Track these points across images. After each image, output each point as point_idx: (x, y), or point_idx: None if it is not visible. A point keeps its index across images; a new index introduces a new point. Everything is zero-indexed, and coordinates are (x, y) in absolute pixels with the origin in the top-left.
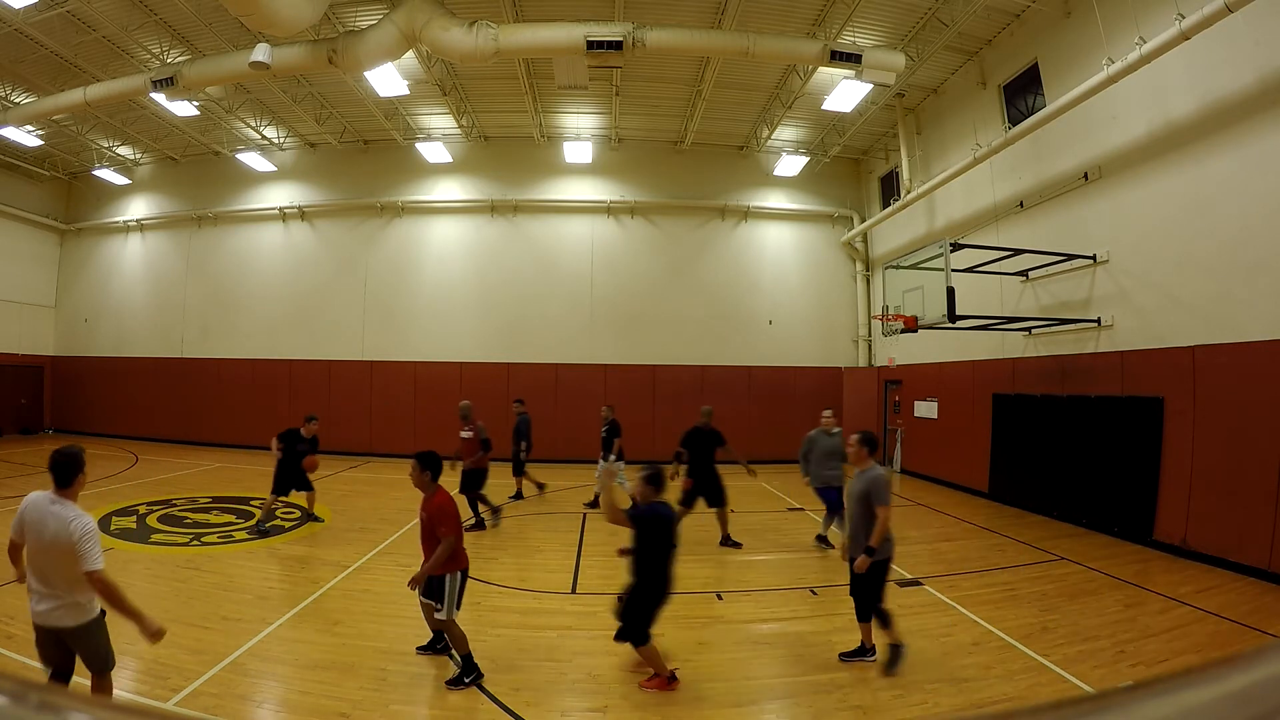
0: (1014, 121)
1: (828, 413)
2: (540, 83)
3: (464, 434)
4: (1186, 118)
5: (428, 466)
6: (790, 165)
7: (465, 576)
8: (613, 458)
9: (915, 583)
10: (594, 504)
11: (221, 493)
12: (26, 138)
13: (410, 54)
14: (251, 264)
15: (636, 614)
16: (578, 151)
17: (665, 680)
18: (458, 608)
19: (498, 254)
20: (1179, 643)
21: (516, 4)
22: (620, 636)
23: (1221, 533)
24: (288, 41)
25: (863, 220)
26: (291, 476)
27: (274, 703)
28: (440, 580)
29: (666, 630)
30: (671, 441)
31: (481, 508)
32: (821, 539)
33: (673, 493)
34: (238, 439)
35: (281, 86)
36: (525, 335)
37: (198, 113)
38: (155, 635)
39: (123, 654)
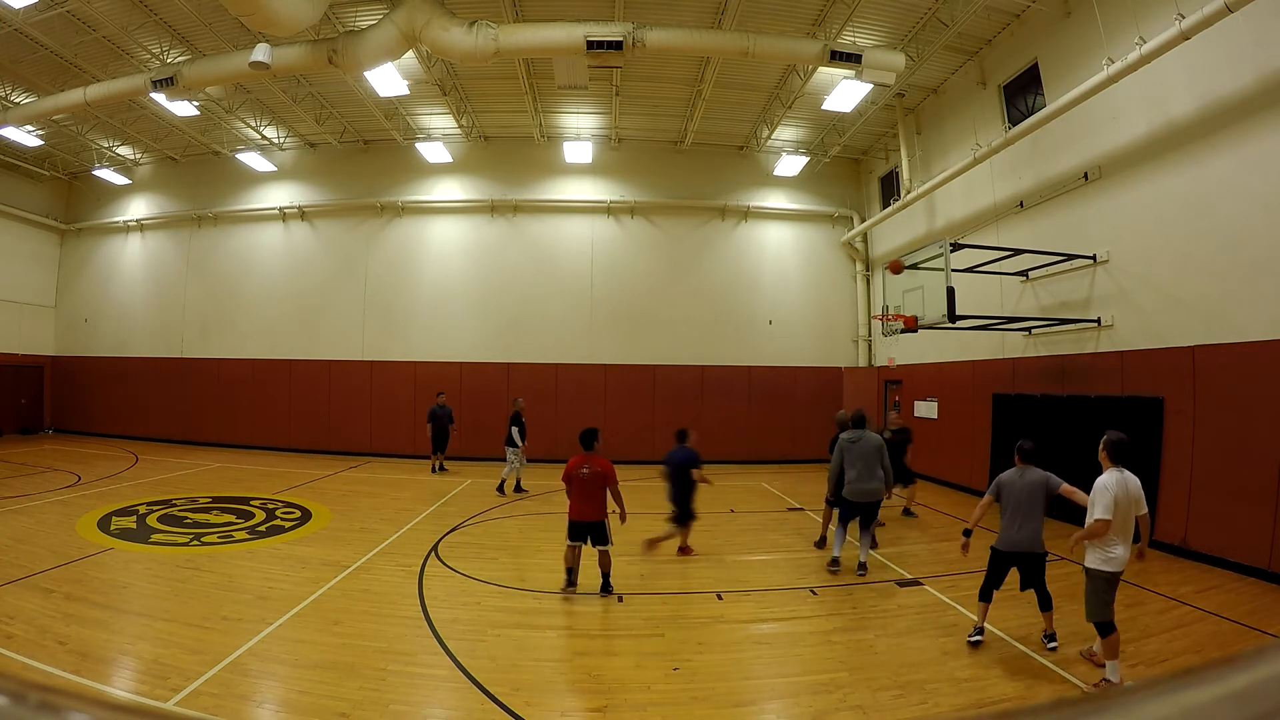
0: (1014, 121)
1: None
2: (540, 83)
3: None
4: (1186, 118)
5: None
6: (790, 165)
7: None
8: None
9: (915, 583)
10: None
11: (221, 493)
12: (26, 138)
13: (410, 54)
14: (251, 264)
15: None
16: (578, 151)
17: None
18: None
19: (497, 254)
20: (1179, 643)
21: (516, 4)
22: None
23: (1221, 533)
24: (288, 41)
25: (863, 220)
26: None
27: (274, 703)
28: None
29: (667, 630)
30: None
31: None
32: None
33: None
34: (238, 439)
35: (281, 86)
36: (525, 335)
37: (198, 113)
38: None
39: (123, 654)
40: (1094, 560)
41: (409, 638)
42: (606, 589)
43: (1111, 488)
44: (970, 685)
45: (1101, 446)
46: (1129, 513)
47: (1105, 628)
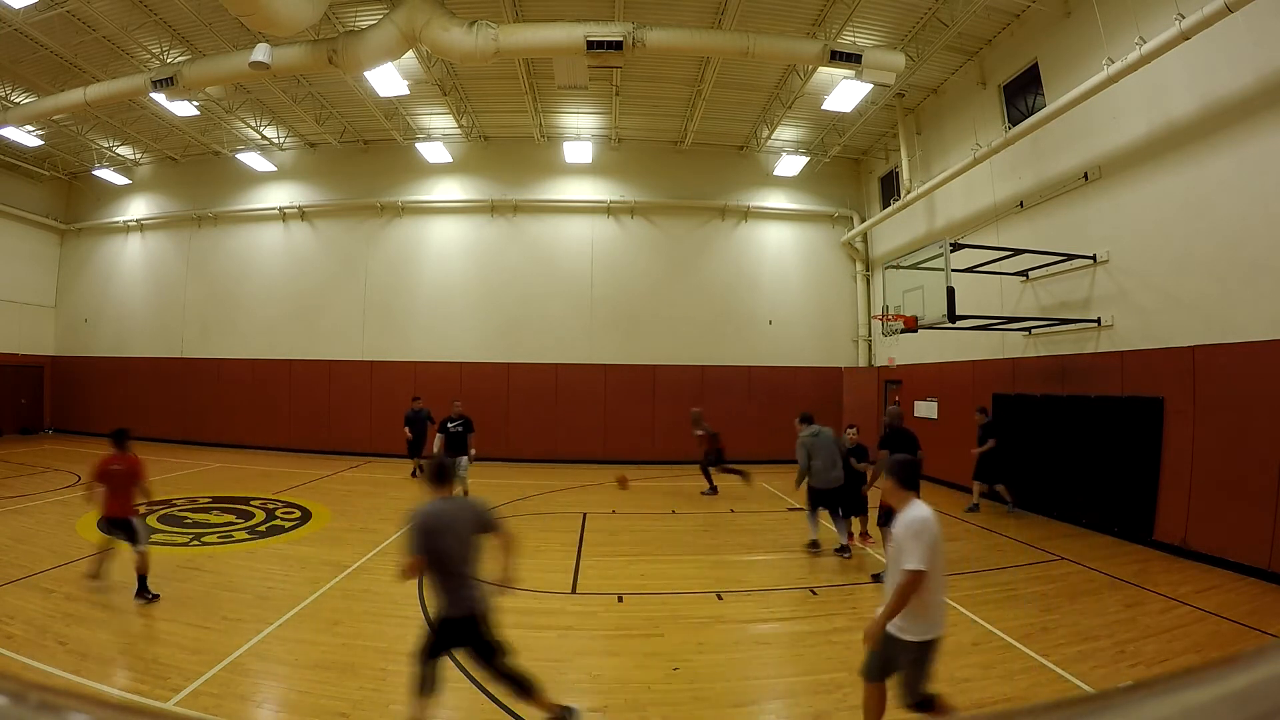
0: (1014, 121)
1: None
2: (540, 83)
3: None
4: (1186, 118)
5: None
6: (790, 165)
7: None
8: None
9: None
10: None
11: (221, 493)
12: (26, 138)
13: (410, 54)
14: (251, 264)
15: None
16: (578, 151)
17: None
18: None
19: (498, 254)
20: (1179, 643)
21: (516, 4)
22: None
23: (1221, 533)
24: (288, 41)
25: (863, 220)
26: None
27: (274, 703)
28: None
29: (667, 630)
30: (671, 441)
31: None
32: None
33: None
34: (238, 439)
35: (281, 86)
36: (525, 335)
37: (198, 113)
38: None
39: (123, 654)
40: (916, 629)
41: (409, 638)
42: (142, 592)
43: (931, 525)
44: (970, 685)
45: (887, 472)
46: (940, 561)
47: (930, 703)
